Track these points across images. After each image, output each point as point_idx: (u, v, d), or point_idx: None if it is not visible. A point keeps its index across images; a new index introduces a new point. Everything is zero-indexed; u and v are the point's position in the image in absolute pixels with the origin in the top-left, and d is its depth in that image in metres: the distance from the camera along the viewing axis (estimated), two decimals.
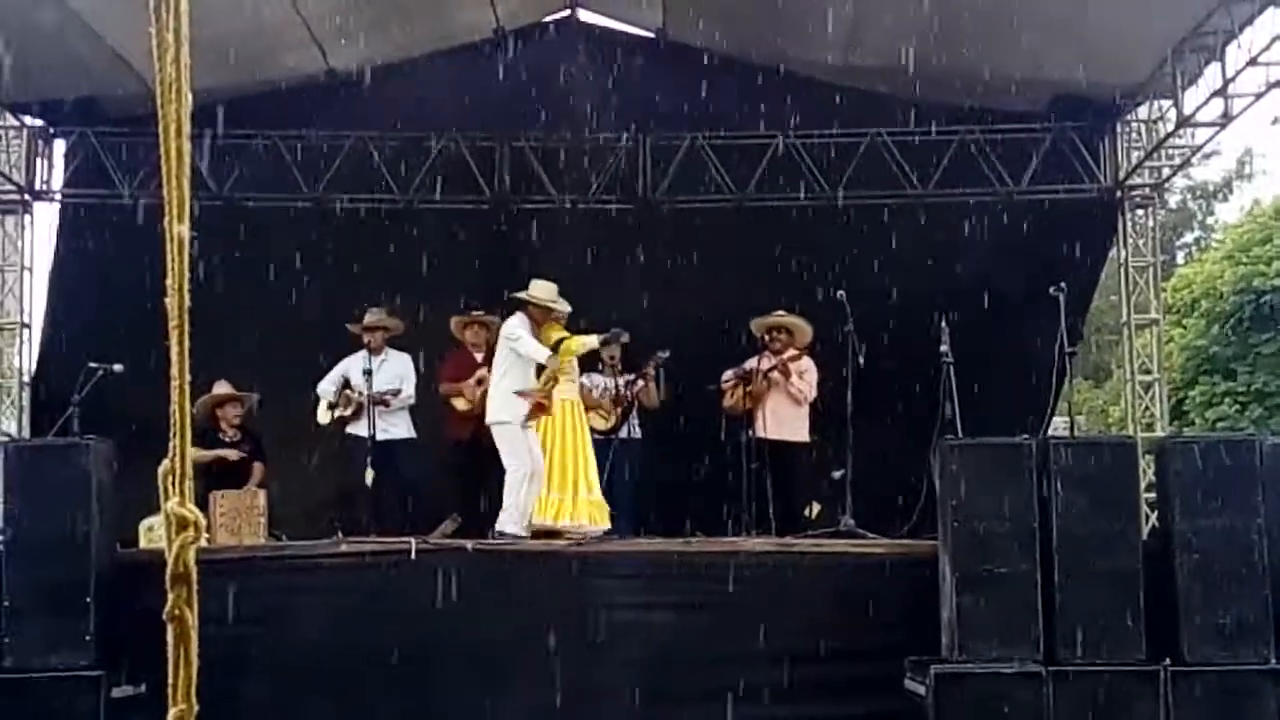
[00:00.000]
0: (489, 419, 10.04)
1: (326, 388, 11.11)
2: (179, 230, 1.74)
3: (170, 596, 1.79)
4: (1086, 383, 25.26)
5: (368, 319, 11.13)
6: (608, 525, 10.26)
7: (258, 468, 10.96)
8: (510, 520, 9.83)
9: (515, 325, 10.06)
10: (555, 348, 9.95)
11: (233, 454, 10.74)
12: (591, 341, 10.19)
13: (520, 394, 9.86)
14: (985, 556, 8.37)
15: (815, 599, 9.15)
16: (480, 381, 10.78)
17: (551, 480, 10.12)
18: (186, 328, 1.77)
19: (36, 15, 10.25)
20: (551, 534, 9.99)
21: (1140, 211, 13.42)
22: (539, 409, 9.93)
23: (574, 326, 10.46)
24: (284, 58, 12.18)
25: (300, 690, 8.92)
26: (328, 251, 12.54)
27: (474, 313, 11.28)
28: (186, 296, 1.77)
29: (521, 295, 10.25)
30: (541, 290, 10.25)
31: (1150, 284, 13.38)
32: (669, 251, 12.75)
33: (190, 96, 1.73)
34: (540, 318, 10.19)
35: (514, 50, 12.82)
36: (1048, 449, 8.61)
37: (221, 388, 11.00)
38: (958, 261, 12.62)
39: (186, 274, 1.76)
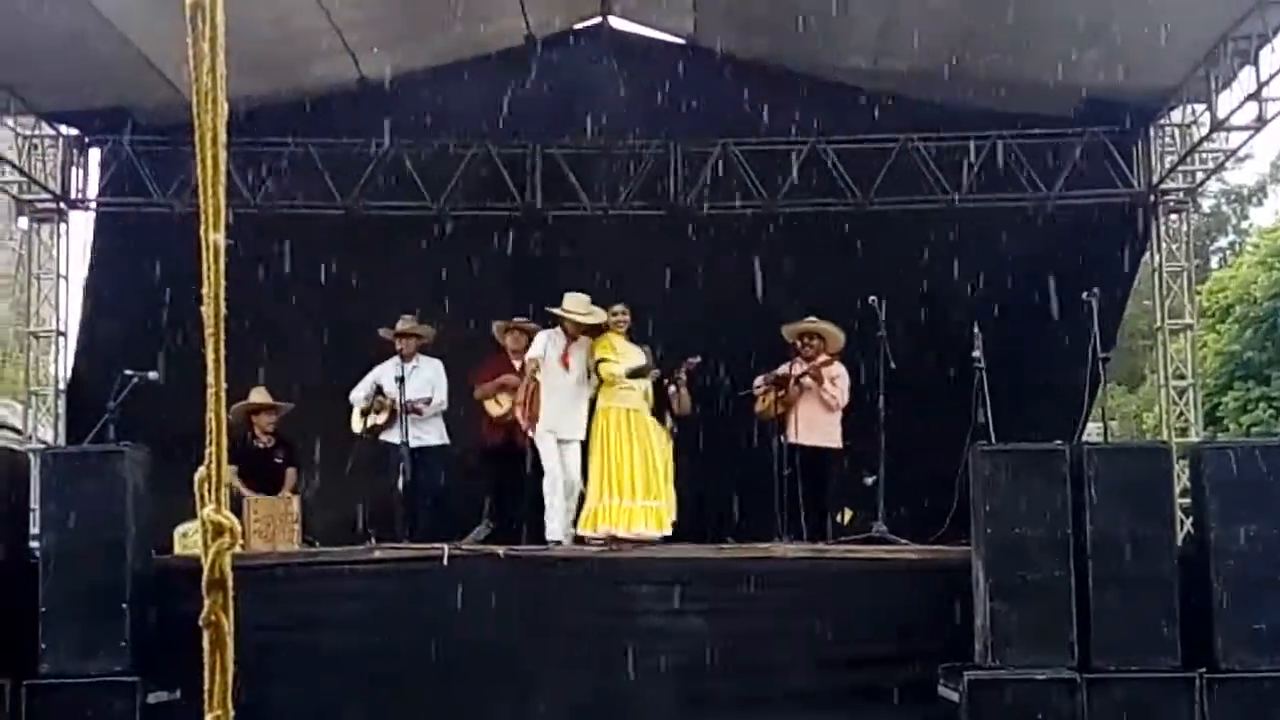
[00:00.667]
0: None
1: (359, 395, 11.14)
2: (215, 238, 1.75)
3: (206, 602, 1.80)
4: (1120, 388, 25.12)
5: (399, 326, 11.15)
6: (657, 531, 10.12)
7: (290, 473, 11.00)
8: (551, 527, 10.11)
9: (536, 343, 10.44)
10: (597, 366, 10.31)
11: (253, 497, 10.62)
12: (619, 372, 10.31)
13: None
14: (1019, 562, 8.35)
15: (848, 605, 9.14)
16: (514, 389, 10.80)
17: (594, 488, 10.15)
18: (223, 335, 1.78)
19: (71, 25, 10.32)
20: (591, 541, 10.01)
21: (1174, 216, 13.35)
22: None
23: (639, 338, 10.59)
24: (316, 66, 12.24)
25: (333, 695, 8.96)
26: (359, 259, 12.57)
27: (517, 319, 11.31)
28: (223, 305, 1.78)
29: (555, 311, 10.48)
30: (572, 303, 10.43)
31: (1184, 289, 13.30)
32: (700, 258, 12.74)
33: (226, 106, 1.74)
34: (574, 331, 10.45)
35: (545, 58, 12.84)
36: (1081, 455, 8.58)
37: (258, 395, 11.04)
38: (990, 267, 12.58)
39: (223, 282, 1.77)
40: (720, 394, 11.50)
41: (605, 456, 10.19)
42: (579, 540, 10.09)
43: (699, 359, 10.81)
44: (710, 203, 12.80)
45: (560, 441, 10.32)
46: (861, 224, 12.65)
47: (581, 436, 10.38)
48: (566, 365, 10.43)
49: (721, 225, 12.84)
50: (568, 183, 12.85)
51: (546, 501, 10.22)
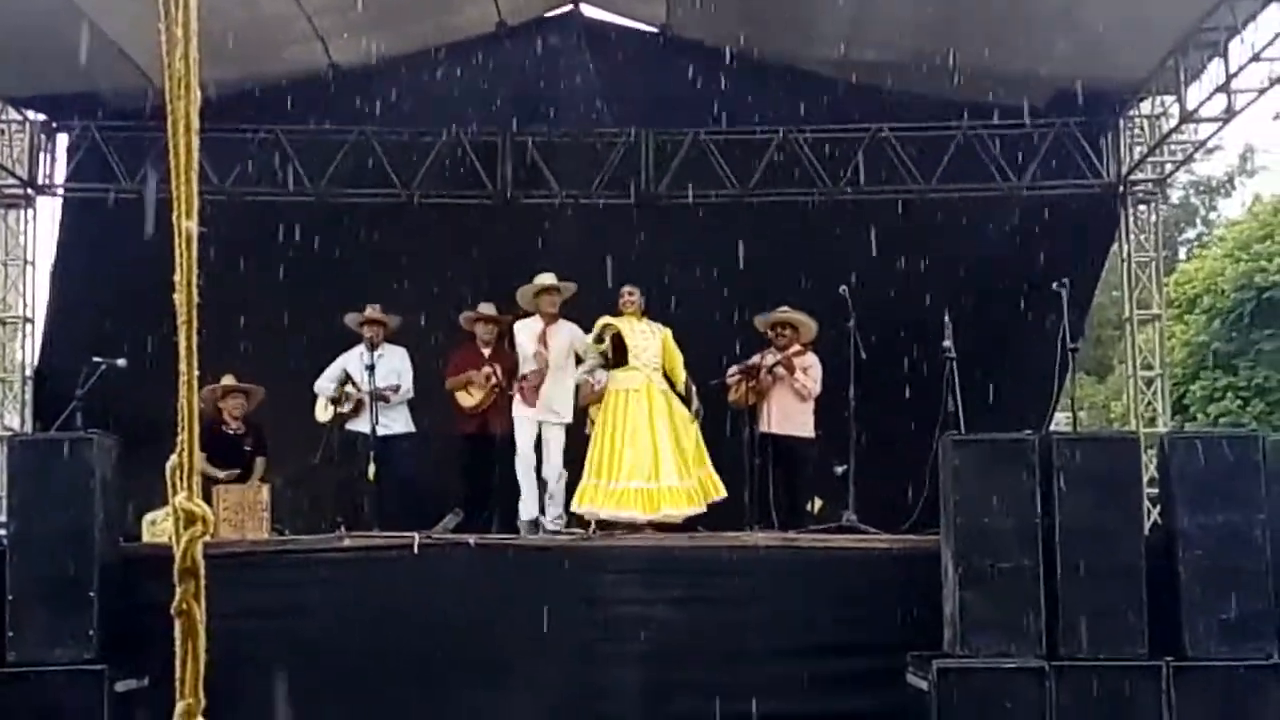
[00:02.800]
0: None
1: (325, 384, 11.11)
2: (187, 226, 1.74)
3: (178, 591, 1.79)
4: (1089, 378, 25.24)
5: (366, 313, 11.12)
6: (675, 510, 10.10)
7: (260, 461, 10.97)
8: (523, 507, 10.38)
9: (519, 336, 10.56)
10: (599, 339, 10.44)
11: (226, 476, 10.60)
12: (588, 339, 10.47)
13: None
14: (988, 552, 8.38)
15: (818, 594, 9.16)
16: (488, 377, 10.81)
17: (586, 468, 10.19)
18: (195, 323, 1.77)
19: (38, 9, 10.25)
20: (588, 520, 10.09)
21: (1143, 207, 13.43)
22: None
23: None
24: (287, 52, 12.20)
25: (304, 684, 8.93)
26: (329, 246, 12.52)
27: (482, 307, 11.30)
28: (195, 293, 1.77)
29: (526, 289, 10.66)
30: (542, 278, 10.63)
31: (1153, 279, 13.38)
32: (672, 247, 12.74)
33: (199, 92, 1.73)
34: (549, 314, 10.58)
35: (517, 45, 12.82)
36: (1050, 444, 8.60)
37: (228, 381, 11.00)
38: (960, 257, 12.61)
39: (195, 270, 1.76)
40: (693, 383, 11.50)
41: (598, 437, 10.23)
42: (577, 520, 10.11)
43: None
44: (681, 192, 12.80)
45: (540, 423, 10.36)
46: (833, 214, 12.68)
47: (566, 419, 10.41)
48: (545, 348, 10.45)
49: (693, 214, 12.84)
50: (538, 171, 12.85)
51: (520, 481, 10.35)
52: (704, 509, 10.21)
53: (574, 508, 10.15)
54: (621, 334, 10.35)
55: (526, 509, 10.37)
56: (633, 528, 9.91)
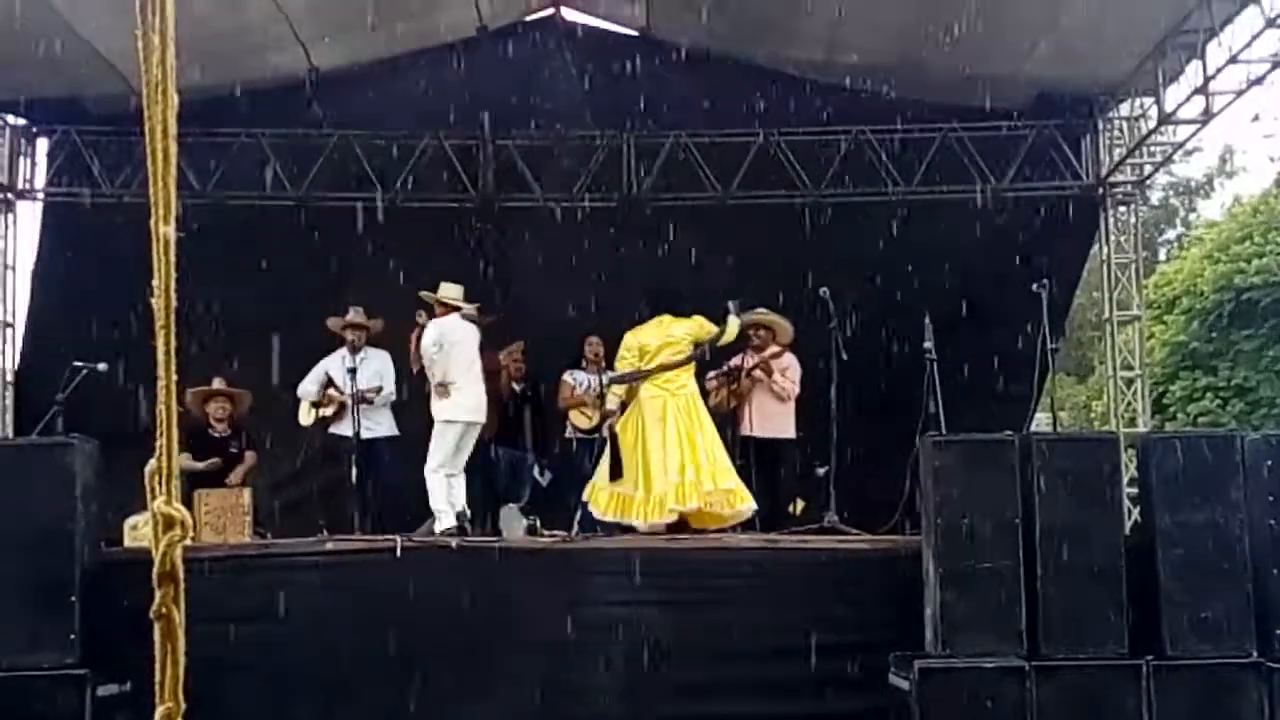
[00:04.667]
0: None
1: (308, 388, 11.11)
2: (165, 231, 1.75)
3: (157, 595, 1.80)
4: (1069, 378, 25.30)
5: (349, 317, 11.13)
6: (637, 520, 10.11)
7: (250, 455, 10.94)
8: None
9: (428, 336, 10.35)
10: None
11: (206, 465, 10.59)
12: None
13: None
14: (968, 552, 8.41)
15: (799, 595, 9.18)
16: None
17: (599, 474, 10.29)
18: (173, 327, 1.78)
19: (18, 15, 10.22)
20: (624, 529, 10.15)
21: (1122, 208, 13.47)
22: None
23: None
24: (267, 56, 12.16)
25: (286, 688, 8.93)
26: (311, 250, 12.52)
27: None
28: (174, 297, 1.78)
29: (427, 296, 10.56)
30: (449, 291, 10.52)
31: (1132, 280, 13.42)
32: (652, 249, 12.74)
33: (176, 97, 1.74)
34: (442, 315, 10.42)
35: (497, 49, 12.81)
36: (1030, 445, 8.64)
37: (217, 385, 10.98)
38: (940, 259, 12.64)
39: (173, 274, 1.77)
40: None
41: (620, 446, 10.26)
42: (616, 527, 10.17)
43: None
44: (662, 194, 12.81)
45: (464, 424, 10.27)
46: (813, 216, 12.69)
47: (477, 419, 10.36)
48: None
49: (674, 216, 12.85)
50: (520, 174, 12.84)
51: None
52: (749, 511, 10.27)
53: (599, 512, 10.19)
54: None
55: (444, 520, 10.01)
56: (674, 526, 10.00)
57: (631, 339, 10.54)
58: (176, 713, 1.81)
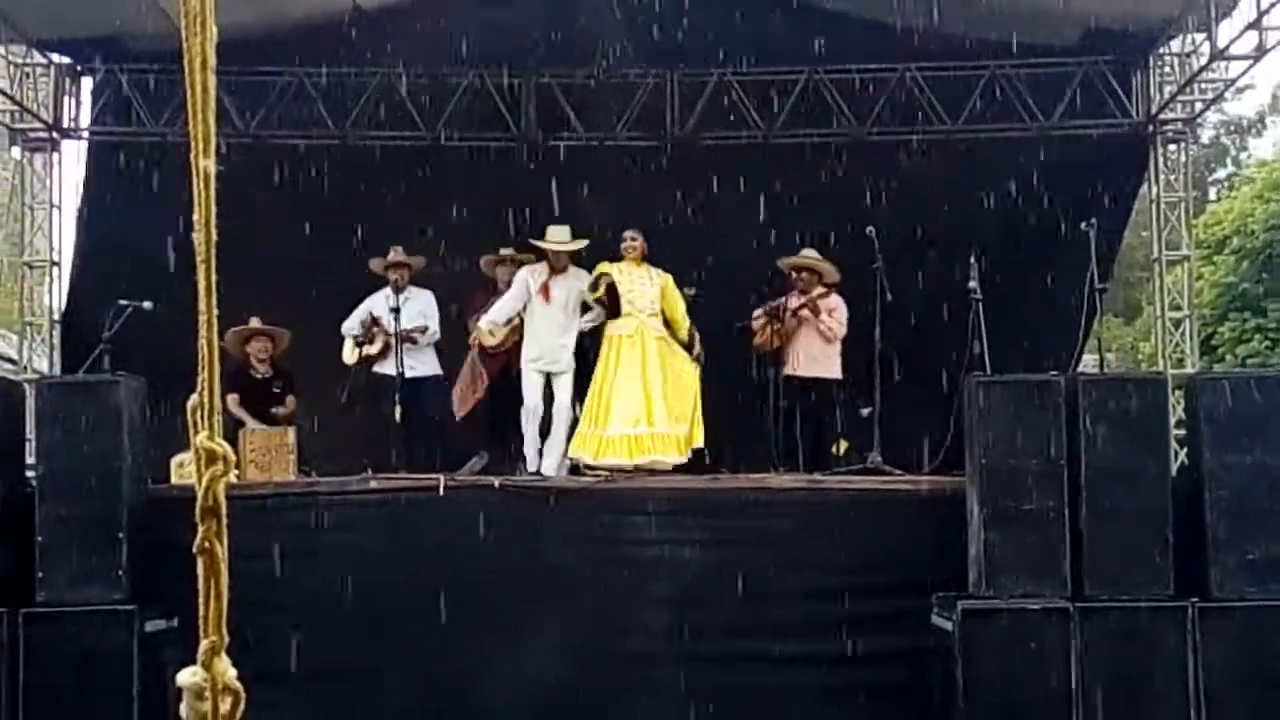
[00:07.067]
0: None
1: (352, 325, 11.13)
2: (204, 165, 1.73)
3: (200, 529, 1.80)
4: (1117, 319, 25.09)
5: (391, 256, 11.12)
6: (666, 456, 10.06)
7: (290, 401, 10.99)
8: (528, 455, 10.37)
9: (515, 283, 10.66)
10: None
11: (254, 422, 10.62)
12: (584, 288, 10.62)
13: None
14: (1013, 493, 8.38)
15: (843, 535, 9.18)
16: (507, 320, 10.83)
17: (583, 415, 10.20)
18: (214, 262, 1.77)
19: None
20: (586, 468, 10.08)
21: (1173, 147, 13.30)
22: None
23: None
24: None
25: (329, 624, 9.01)
26: (354, 189, 12.51)
27: (503, 251, 11.31)
28: (214, 231, 1.77)
29: (536, 244, 10.77)
30: (553, 235, 10.67)
31: (1182, 220, 13.27)
32: (696, 189, 12.68)
33: (215, 30, 1.72)
34: (557, 263, 10.59)
35: None
36: (1077, 386, 8.59)
37: (254, 324, 11.01)
38: (987, 198, 12.53)
39: (213, 208, 1.76)
40: (718, 325, 11.47)
41: (592, 385, 10.26)
42: (574, 470, 10.13)
43: (693, 290, 10.77)
44: (706, 133, 12.73)
45: (548, 374, 10.37)
46: (859, 154, 12.59)
47: (571, 367, 10.41)
48: (547, 297, 10.45)
49: (718, 156, 12.77)
50: (563, 113, 12.78)
51: (524, 432, 10.38)
52: (688, 458, 10.17)
53: (569, 454, 10.16)
54: (615, 283, 10.33)
55: (529, 462, 10.34)
56: (622, 473, 9.91)
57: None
58: (220, 647, 1.81)
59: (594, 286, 10.45)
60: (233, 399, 10.41)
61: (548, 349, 10.43)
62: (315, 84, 12.54)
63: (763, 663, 9.04)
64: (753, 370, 11.31)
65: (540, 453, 10.29)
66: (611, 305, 10.37)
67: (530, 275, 10.61)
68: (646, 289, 10.39)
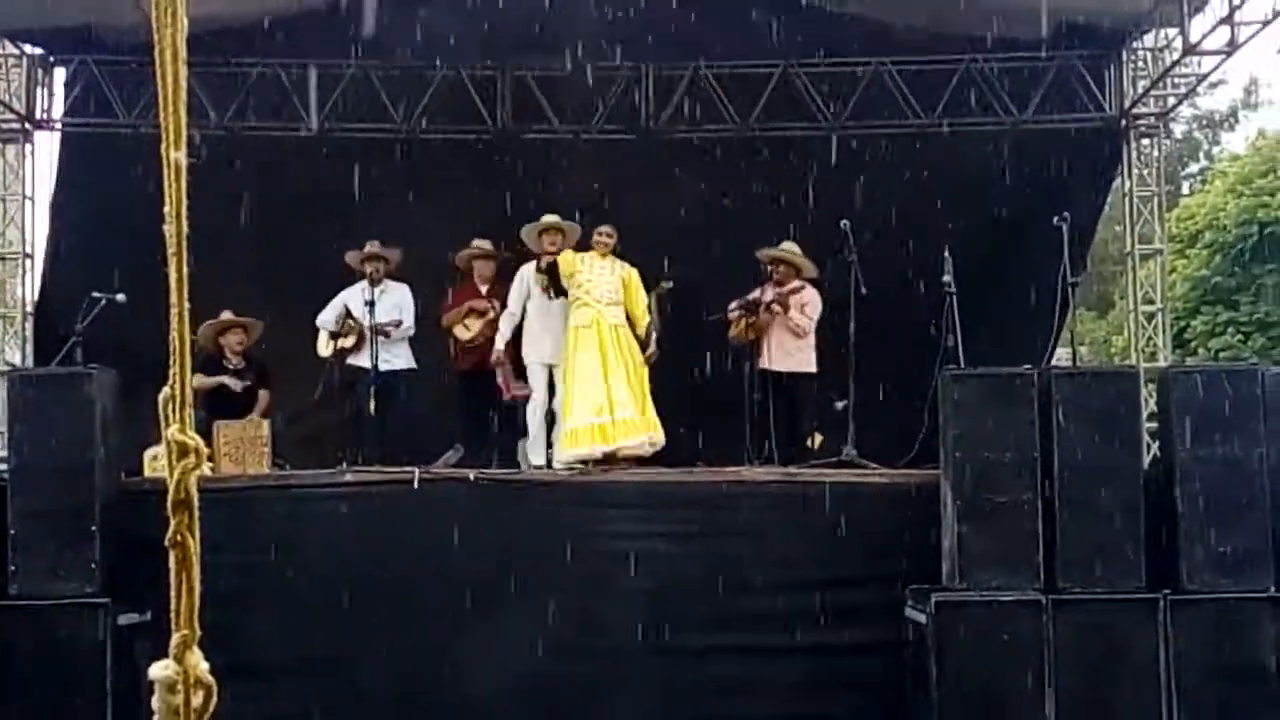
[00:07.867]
0: None
1: (327, 318, 11.10)
2: (176, 156, 1.73)
3: (172, 523, 1.80)
4: (1089, 313, 25.21)
5: (367, 249, 11.09)
6: (598, 447, 10.08)
7: (263, 395, 10.94)
8: (531, 448, 10.44)
9: (515, 283, 10.73)
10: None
11: (234, 383, 10.71)
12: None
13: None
14: (986, 486, 8.41)
15: (817, 528, 9.19)
16: (482, 313, 10.85)
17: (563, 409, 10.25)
18: (185, 254, 1.77)
19: None
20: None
21: (1145, 141, 13.35)
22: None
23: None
24: None
25: (303, 618, 8.99)
26: (328, 181, 12.47)
27: (476, 244, 11.29)
28: (185, 223, 1.76)
29: (523, 238, 10.82)
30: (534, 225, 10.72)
31: (1154, 214, 13.33)
32: (672, 181, 12.68)
33: (186, 21, 1.71)
34: (544, 250, 10.58)
35: None
36: (1050, 379, 8.62)
37: (226, 316, 10.97)
38: (961, 191, 12.55)
39: (185, 200, 1.75)
40: (693, 318, 11.48)
41: (563, 378, 10.28)
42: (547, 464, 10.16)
43: (670, 283, 10.80)
44: (682, 126, 12.73)
45: (550, 367, 10.42)
46: (833, 147, 12.60)
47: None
48: (549, 293, 10.50)
49: (693, 148, 12.78)
50: (538, 105, 12.76)
51: (528, 427, 10.49)
52: (662, 442, 10.21)
53: (576, 451, 10.17)
54: (556, 263, 10.35)
55: (536, 454, 10.36)
56: (595, 464, 9.95)
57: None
58: (192, 640, 1.81)
59: (539, 268, 10.48)
60: (213, 380, 10.46)
61: (550, 344, 10.45)
62: (289, 75, 12.49)
63: (737, 655, 9.05)
64: (728, 363, 11.31)
65: (549, 443, 10.32)
66: (553, 283, 10.40)
67: (529, 272, 10.63)
68: (606, 278, 10.43)
